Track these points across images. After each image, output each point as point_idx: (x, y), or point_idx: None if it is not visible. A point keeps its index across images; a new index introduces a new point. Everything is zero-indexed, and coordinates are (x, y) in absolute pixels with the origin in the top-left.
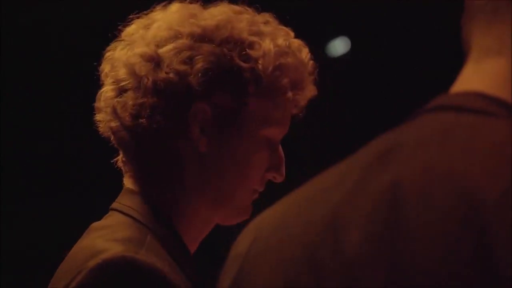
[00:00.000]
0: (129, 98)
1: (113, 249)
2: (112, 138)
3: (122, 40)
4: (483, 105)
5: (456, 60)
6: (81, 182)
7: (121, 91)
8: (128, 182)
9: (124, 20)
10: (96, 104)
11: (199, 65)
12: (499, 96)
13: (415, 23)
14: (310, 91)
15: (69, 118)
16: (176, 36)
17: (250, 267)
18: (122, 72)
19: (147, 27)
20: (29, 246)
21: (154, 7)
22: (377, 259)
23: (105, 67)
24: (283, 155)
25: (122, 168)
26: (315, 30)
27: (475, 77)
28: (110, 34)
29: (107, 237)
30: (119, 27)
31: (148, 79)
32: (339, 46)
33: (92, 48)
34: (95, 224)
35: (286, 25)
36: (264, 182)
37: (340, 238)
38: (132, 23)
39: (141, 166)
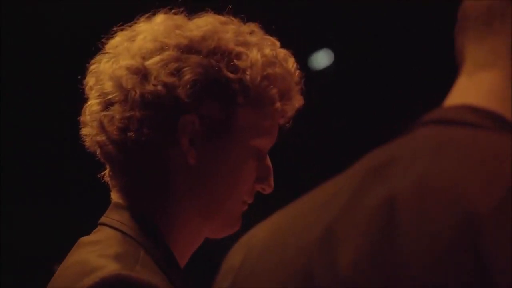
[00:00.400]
0: (116, 111)
1: (109, 267)
2: (98, 152)
3: (107, 52)
4: (477, 119)
5: (438, 71)
6: (81, 182)
7: (107, 104)
8: (116, 197)
9: (125, 21)
10: (82, 118)
11: (187, 76)
12: (492, 110)
13: (399, 35)
14: (298, 101)
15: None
16: (163, 47)
17: (242, 281)
18: (108, 85)
19: (131, 39)
20: (29, 246)
21: (138, 19)
22: (372, 274)
23: (90, 80)
24: (271, 165)
25: (109, 182)
26: (298, 42)
27: (468, 90)
28: (93, 47)
29: (99, 252)
30: (103, 40)
31: (135, 92)
32: (322, 59)
33: (92, 48)
34: (84, 239)
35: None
36: (253, 193)
37: (335, 255)
38: (115, 35)
39: (129, 180)
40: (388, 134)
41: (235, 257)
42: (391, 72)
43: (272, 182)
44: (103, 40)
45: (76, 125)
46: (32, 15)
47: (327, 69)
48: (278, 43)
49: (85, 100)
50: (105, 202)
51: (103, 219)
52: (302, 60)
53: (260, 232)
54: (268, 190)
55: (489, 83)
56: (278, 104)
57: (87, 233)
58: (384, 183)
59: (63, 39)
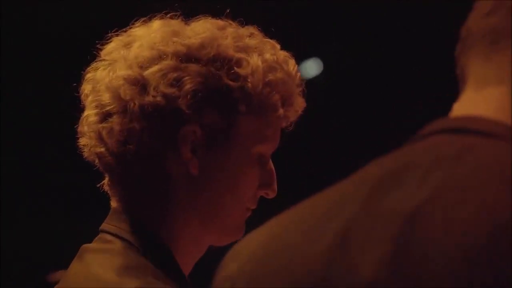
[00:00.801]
0: (115, 123)
1: (127, 284)
2: (97, 162)
3: (102, 59)
4: (492, 128)
5: (428, 81)
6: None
7: (105, 116)
8: (117, 205)
9: (125, 20)
10: (79, 129)
11: (187, 87)
12: (502, 120)
13: (388, 43)
14: (300, 104)
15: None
16: (160, 56)
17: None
18: (105, 97)
19: (127, 45)
20: (29, 246)
21: (133, 23)
22: (394, 281)
23: (86, 88)
24: (274, 170)
25: (109, 191)
26: (287, 51)
27: (477, 103)
28: (93, 47)
29: (110, 265)
30: (98, 46)
31: (134, 103)
32: (311, 68)
33: (92, 48)
34: (87, 247)
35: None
36: (257, 200)
37: (354, 261)
38: (110, 41)
39: (129, 191)
40: (378, 141)
41: (230, 265)
42: (380, 81)
43: (275, 187)
44: (98, 46)
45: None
46: (32, 15)
47: (317, 78)
48: (278, 46)
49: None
50: (107, 201)
51: (105, 226)
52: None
53: (258, 238)
54: (271, 195)
55: (497, 98)
56: (281, 111)
57: (87, 235)
58: (400, 190)
59: (63, 39)
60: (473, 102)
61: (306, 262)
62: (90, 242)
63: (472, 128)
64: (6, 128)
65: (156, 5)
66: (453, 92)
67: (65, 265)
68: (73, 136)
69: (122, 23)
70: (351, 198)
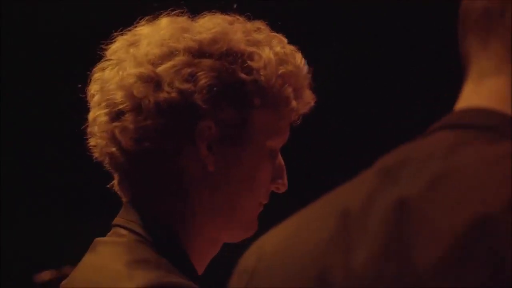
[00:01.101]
0: (129, 121)
1: (142, 277)
2: (107, 162)
3: (108, 59)
4: (486, 120)
5: (414, 80)
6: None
7: (118, 114)
8: (130, 202)
9: (126, 20)
10: (89, 130)
11: (202, 82)
12: (502, 111)
13: (371, 45)
14: (310, 96)
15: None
16: (172, 52)
17: (257, 284)
18: (118, 95)
19: (134, 44)
20: (29, 246)
21: (138, 22)
22: (385, 275)
23: (93, 88)
24: (284, 164)
25: (120, 191)
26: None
27: (476, 95)
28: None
29: (120, 257)
30: (102, 46)
31: (149, 100)
32: None
33: (93, 48)
34: (100, 240)
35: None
36: (269, 194)
37: (349, 255)
38: (115, 40)
39: (145, 188)
40: (369, 141)
41: (248, 260)
42: (366, 81)
43: (286, 181)
44: (102, 46)
45: (77, 125)
46: (32, 15)
47: None
48: (285, 39)
49: (86, 102)
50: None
51: (118, 220)
52: None
53: (274, 236)
54: (282, 189)
55: (497, 89)
56: (294, 103)
57: (87, 235)
58: (396, 185)
59: (63, 39)
60: (474, 94)
61: (311, 262)
62: (90, 242)
63: (471, 122)
64: (6, 128)
65: (157, 4)
66: (446, 91)
67: (65, 265)
68: (73, 136)
69: (122, 22)
70: (355, 195)
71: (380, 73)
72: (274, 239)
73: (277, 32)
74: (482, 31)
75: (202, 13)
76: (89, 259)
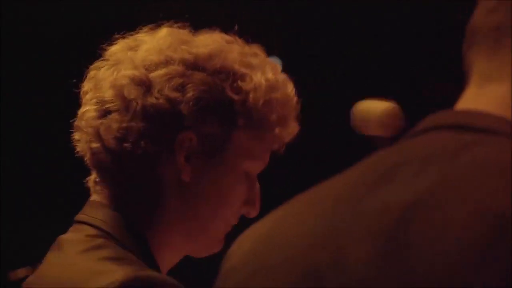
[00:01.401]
0: (114, 120)
1: (119, 271)
2: (88, 158)
3: (107, 59)
4: (492, 124)
5: (381, 81)
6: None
7: (105, 112)
8: (102, 201)
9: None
10: (76, 123)
11: (190, 93)
12: (502, 116)
13: (346, 43)
14: (294, 127)
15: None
16: (168, 61)
17: (245, 281)
18: (109, 94)
19: (134, 48)
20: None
21: (140, 29)
22: (385, 277)
23: (87, 85)
24: (259, 190)
25: (92, 188)
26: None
27: (479, 98)
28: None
29: (95, 255)
30: (102, 46)
31: (137, 103)
32: None
33: (93, 48)
34: (66, 238)
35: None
36: (239, 216)
37: (343, 255)
38: (116, 43)
39: (120, 189)
40: (336, 142)
41: (234, 256)
42: (338, 80)
43: (258, 206)
44: (103, 46)
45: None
46: (32, 15)
47: None
48: (279, 67)
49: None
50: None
51: (84, 218)
52: None
53: (258, 230)
54: (253, 214)
55: (500, 95)
56: (276, 130)
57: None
58: (394, 184)
59: (63, 39)
60: (475, 98)
61: (300, 259)
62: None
63: (472, 124)
64: (6, 128)
65: (156, 6)
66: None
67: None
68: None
69: (122, 23)
70: (343, 192)
71: (339, 71)
72: (255, 234)
73: (236, 32)
74: (490, 44)
75: (203, 30)
76: (54, 257)
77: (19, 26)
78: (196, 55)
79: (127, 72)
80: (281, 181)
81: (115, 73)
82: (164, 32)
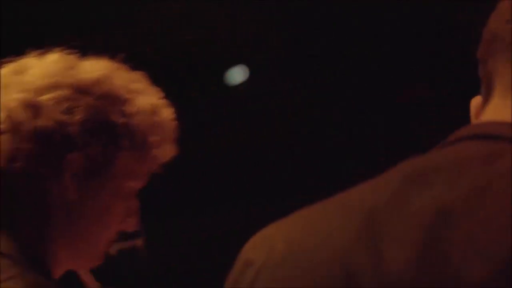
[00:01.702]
0: (5, 141)
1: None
2: None
3: None
4: None
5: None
6: None
7: None
8: None
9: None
10: None
11: (78, 116)
12: None
13: (313, 50)
14: (171, 150)
15: None
16: (57, 86)
17: (267, 280)
18: None
19: (19, 72)
20: None
21: (27, 53)
22: (422, 280)
23: None
24: (138, 206)
25: None
26: (214, 58)
27: (503, 110)
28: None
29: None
30: None
31: (26, 126)
32: (237, 75)
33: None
34: None
35: (181, 54)
36: (119, 232)
37: (381, 257)
38: (3, 66)
39: (12, 210)
40: (336, 141)
41: (255, 253)
42: (307, 88)
43: (136, 221)
44: None
45: None
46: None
47: (242, 85)
48: (160, 93)
49: None
50: None
51: None
52: (218, 76)
53: (284, 230)
54: (132, 228)
55: None
56: (157, 151)
57: None
58: (430, 190)
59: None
60: (501, 109)
61: (333, 259)
62: None
63: (504, 134)
64: None
65: (156, 6)
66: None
67: None
68: None
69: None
70: (377, 195)
71: (308, 78)
72: (286, 234)
73: (202, 41)
74: None
75: (91, 56)
76: None
77: (19, 25)
78: (84, 80)
79: (16, 95)
80: (281, 181)
81: (4, 96)
82: (52, 57)
